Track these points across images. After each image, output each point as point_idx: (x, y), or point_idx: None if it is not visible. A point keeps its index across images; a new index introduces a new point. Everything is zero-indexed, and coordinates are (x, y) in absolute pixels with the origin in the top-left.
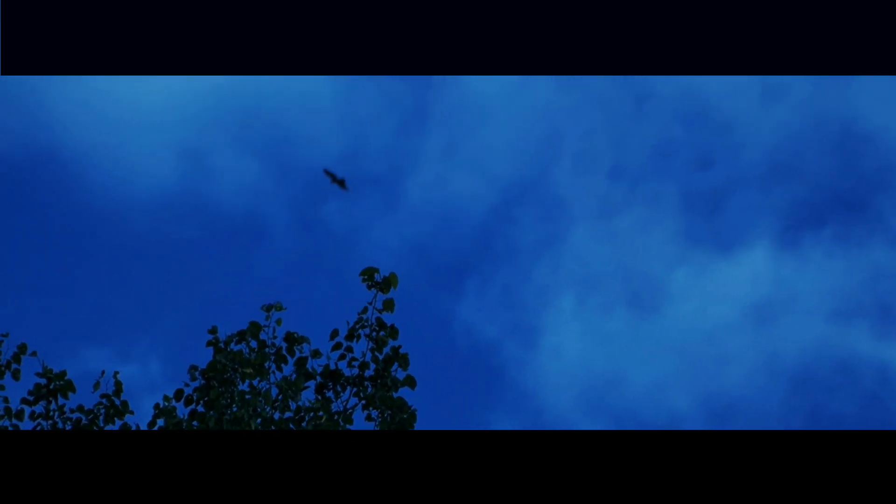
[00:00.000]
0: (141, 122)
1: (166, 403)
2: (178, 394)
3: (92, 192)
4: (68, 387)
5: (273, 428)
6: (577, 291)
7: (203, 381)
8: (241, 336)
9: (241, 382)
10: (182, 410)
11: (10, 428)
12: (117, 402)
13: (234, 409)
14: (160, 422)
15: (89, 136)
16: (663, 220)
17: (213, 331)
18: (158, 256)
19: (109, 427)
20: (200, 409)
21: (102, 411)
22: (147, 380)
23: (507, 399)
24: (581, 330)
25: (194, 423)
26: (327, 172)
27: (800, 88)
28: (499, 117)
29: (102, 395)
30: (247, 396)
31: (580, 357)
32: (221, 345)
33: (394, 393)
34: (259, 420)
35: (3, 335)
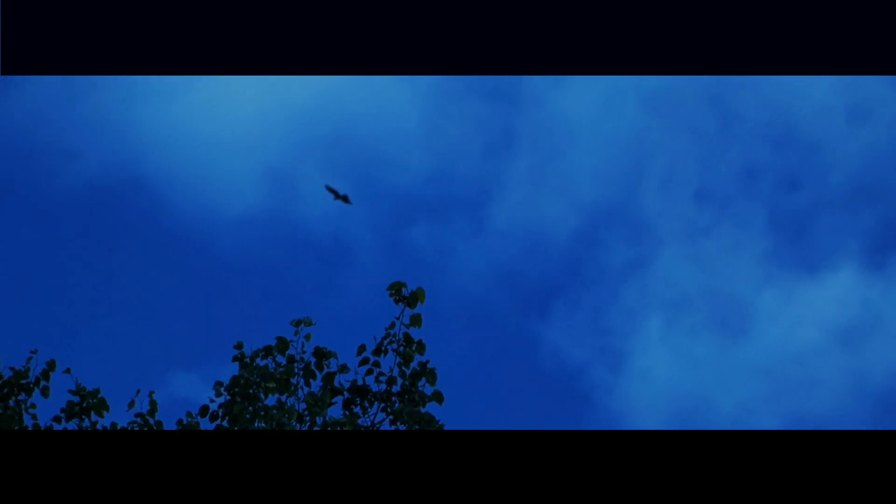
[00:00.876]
0: (229, 145)
1: (189, 419)
2: (203, 410)
3: (180, 216)
4: (102, 405)
5: None
6: (664, 314)
7: (228, 397)
8: (267, 351)
9: (265, 397)
10: (207, 426)
11: None
12: (152, 421)
13: (260, 425)
14: None
15: (177, 160)
16: (750, 242)
17: (239, 346)
18: (246, 280)
19: None
20: (225, 424)
21: (136, 429)
22: None
23: (594, 422)
24: (669, 353)
25: None
26: (329, 189)
27: (886, 109)
28: (585, 140)
29: (137, 415)
30: (273, 412)
31: (668, 380)
32: (247, 360)
33: (421, 408)
34: None
35: (32, 351)
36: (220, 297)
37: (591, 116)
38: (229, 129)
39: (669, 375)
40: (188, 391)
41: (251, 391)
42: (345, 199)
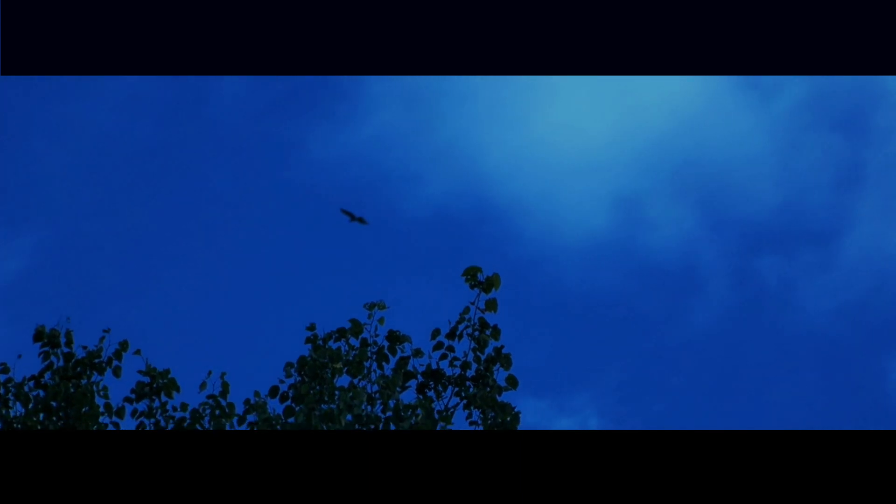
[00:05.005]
0: (576, 170)
1: (257, 399)
2: (273, 390)
3: (525, 242)
4: (172, 385)
5: (359, 427)
6: None
7: (299, 378)
8: (340, 333)
9: (331, 378)
10: (277, 407)
11: (110, 425)
12: (223, 402)
13: (327, 408)
14: (251, 417)
15: (524, 186)
16: None
17: (312, 327)
18: (590, 306)
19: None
20: (292, 404)
21: (208, 412)
22: None
23: None
24: None
25: (290, 419)
26: (344, 211)
27: None
28: None
29: (209, 396)
30: (338, 392)
31: None
32: (320, 342)
33: (497, 395)
34: (349, 416)
35: (105, 331)
36: (566, 325)
37: None
38: (577, 155)
39: None
40: (536, 418)
41: (319, 372)
42: (361, 220)
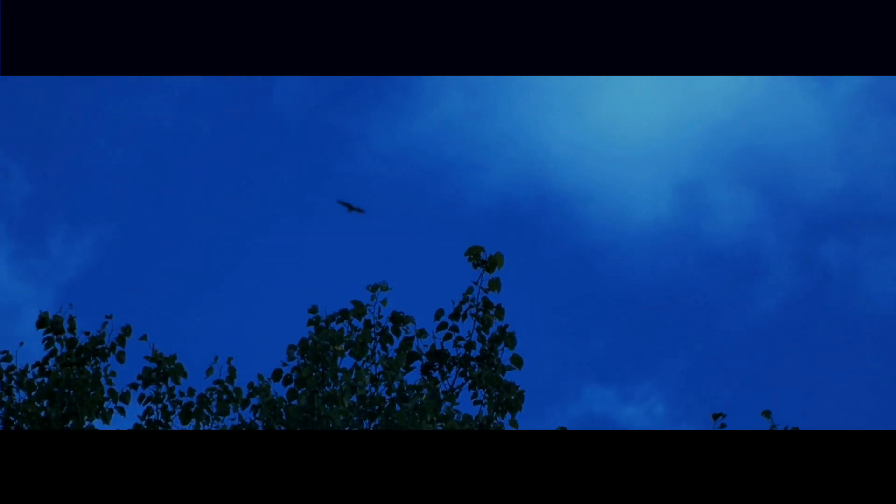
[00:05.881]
0: (637, 158)
1: (260, 382)
2: (276, 373)
3: (589, 230)
4: (179, 371)
5: (363, 408)
6: None
7: (302, 361)
8: (343, 315)
9: (332, 360)
10: (280, 390)
11: (115, 411)
12: (230, 387)
13: (330, 390)
14: (254, 400)
15: (586, 173)
16: None
17: (314, 310)
18: (654, 293)
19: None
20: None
21: (215, 396)
22: (651, 422)
23: None
24: None
25: (293, 401)
26: (341, 202)
27: None
28: None
29: (216, 381)
30: (338, 374)
31: None
32: (322, 324)
33: (501, 374)
34: (354, 397)
35: (108, 316)
36: (631, 312)
37: None
38: (637, 144)
39: None
40: (603, 405)
41: (320, 354)
42: (359, 210)
